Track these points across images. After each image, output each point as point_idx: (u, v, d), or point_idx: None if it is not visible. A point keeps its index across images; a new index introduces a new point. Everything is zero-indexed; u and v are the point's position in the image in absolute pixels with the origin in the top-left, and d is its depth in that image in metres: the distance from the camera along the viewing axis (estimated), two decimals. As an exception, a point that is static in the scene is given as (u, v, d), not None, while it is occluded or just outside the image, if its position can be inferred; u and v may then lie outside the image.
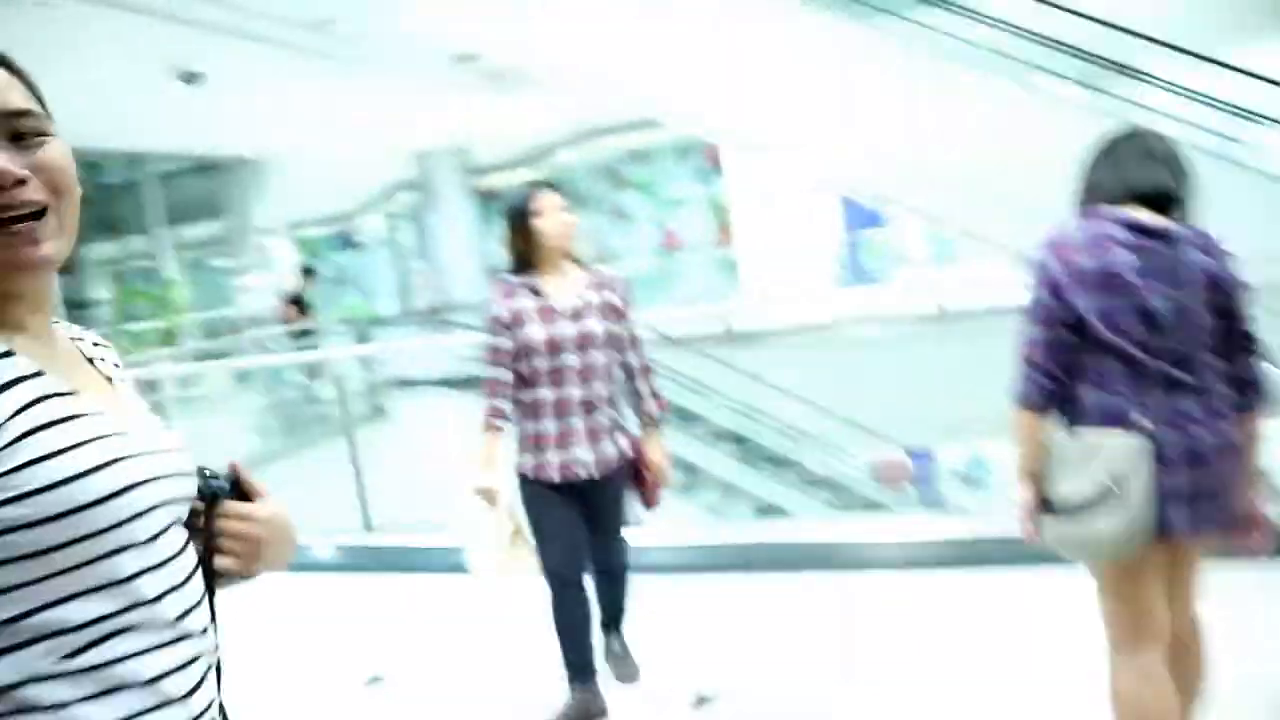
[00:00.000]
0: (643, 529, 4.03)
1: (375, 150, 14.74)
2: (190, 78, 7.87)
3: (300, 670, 3.47)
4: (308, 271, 10.26)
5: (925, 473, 14.06)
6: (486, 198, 19.54)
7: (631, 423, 3.12)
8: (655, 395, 3.10)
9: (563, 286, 2.89)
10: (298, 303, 9.95)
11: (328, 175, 16.58)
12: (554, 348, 2.77)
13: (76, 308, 11.83)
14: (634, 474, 3.02)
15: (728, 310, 12.28)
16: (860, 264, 14.36)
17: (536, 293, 2.87)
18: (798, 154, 6.53)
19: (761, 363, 10.28)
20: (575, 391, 2.80)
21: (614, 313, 2.94)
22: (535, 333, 2.80)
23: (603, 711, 2.95)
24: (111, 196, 12.04)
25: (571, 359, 2.78)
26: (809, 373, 10.24)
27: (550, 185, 2.99)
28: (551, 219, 2.85)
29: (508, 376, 2.81)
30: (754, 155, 6.73)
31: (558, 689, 2.91)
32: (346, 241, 26.05)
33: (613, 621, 3.21)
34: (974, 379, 3.74)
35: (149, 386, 7.76)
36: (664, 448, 3.09)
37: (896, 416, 10.06)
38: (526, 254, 2.92)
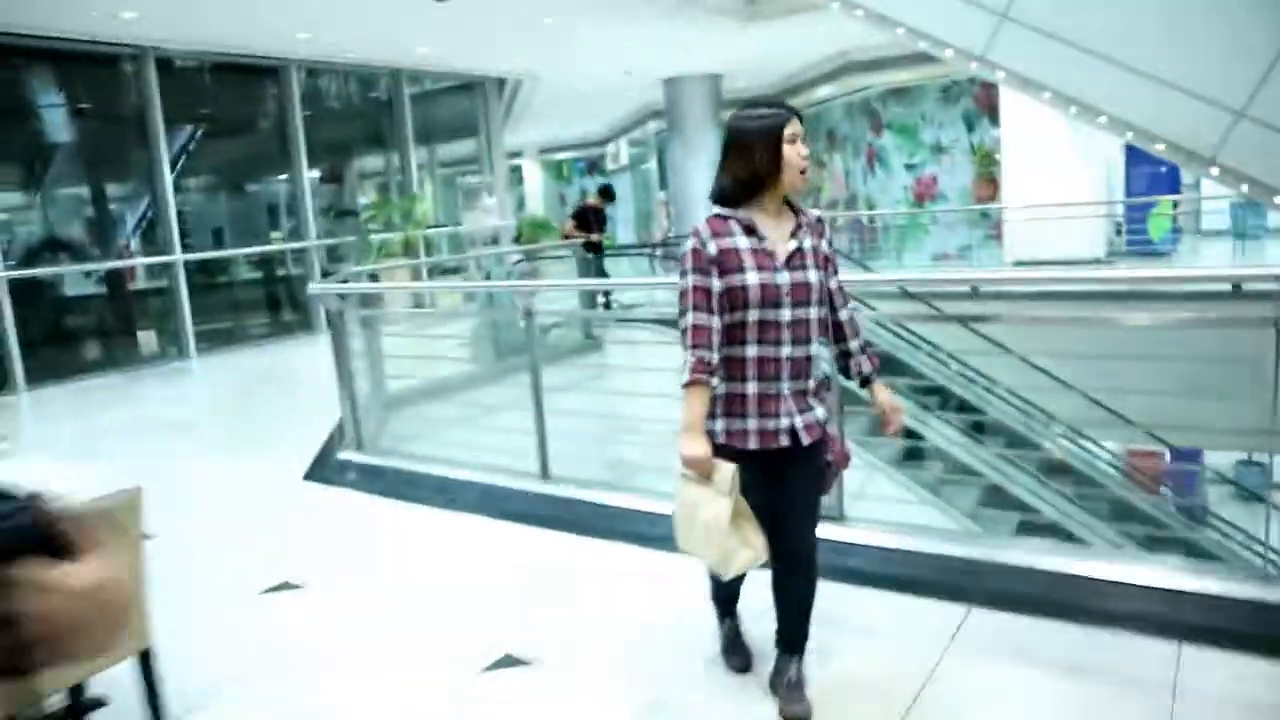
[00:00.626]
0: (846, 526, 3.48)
1: (626, 75, 14.49)
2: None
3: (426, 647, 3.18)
4: (605, 192, 10.18)
5: (1187, 477, 12.37)
6: (794, 112, 18.91)
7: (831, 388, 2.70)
8: (866, 350, 2.63)
9: (780, 228, 2.44)
10: (585, 218, 9.89)
11: (578, 99, 16.65)
12: (768, 298, 2.36)
13: (341, 215, 12.55)
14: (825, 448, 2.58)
15: (982, 275, 11.11)
16: (1144, 233, 12.63)
17: (752, 232, 2.41)
18: (1095, 91, 5.51)
19: (1011, 332, 9.24)
20: (785, 350, 2.40)
21: (827, 262, 2.52)
22: (749, 279, 2.36)
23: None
24: (377, 111, 12.53)
25: (785, 313, 2.38)
26: (1065, 350, 9.12)
27: (796, 113, 2.47)
28: (799, 150, 2.41)
29: (717, 323, 2.38)
30: (1037, 97, 5.66)
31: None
32: (593, 166, 26.46)
33: (792, 640, 2.70)
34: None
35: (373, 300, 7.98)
36: (890, 394, 2.61)
37: (1162, 410, 8.82)
38: (752, 184, 2.43)
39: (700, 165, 15.18)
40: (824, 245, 2.51)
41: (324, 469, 5.12)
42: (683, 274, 2.41)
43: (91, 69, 9.67)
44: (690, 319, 2.38)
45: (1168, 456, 10.77)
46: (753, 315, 2.37)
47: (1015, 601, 2.92)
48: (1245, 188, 5.36)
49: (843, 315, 2.59)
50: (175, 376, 9.22)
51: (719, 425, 2.45)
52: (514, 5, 9.19)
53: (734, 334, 2.40)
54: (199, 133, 10.88)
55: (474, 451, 4.63)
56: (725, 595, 2.84)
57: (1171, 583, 2.88)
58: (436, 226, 12.76)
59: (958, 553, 3.22)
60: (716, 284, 2.37)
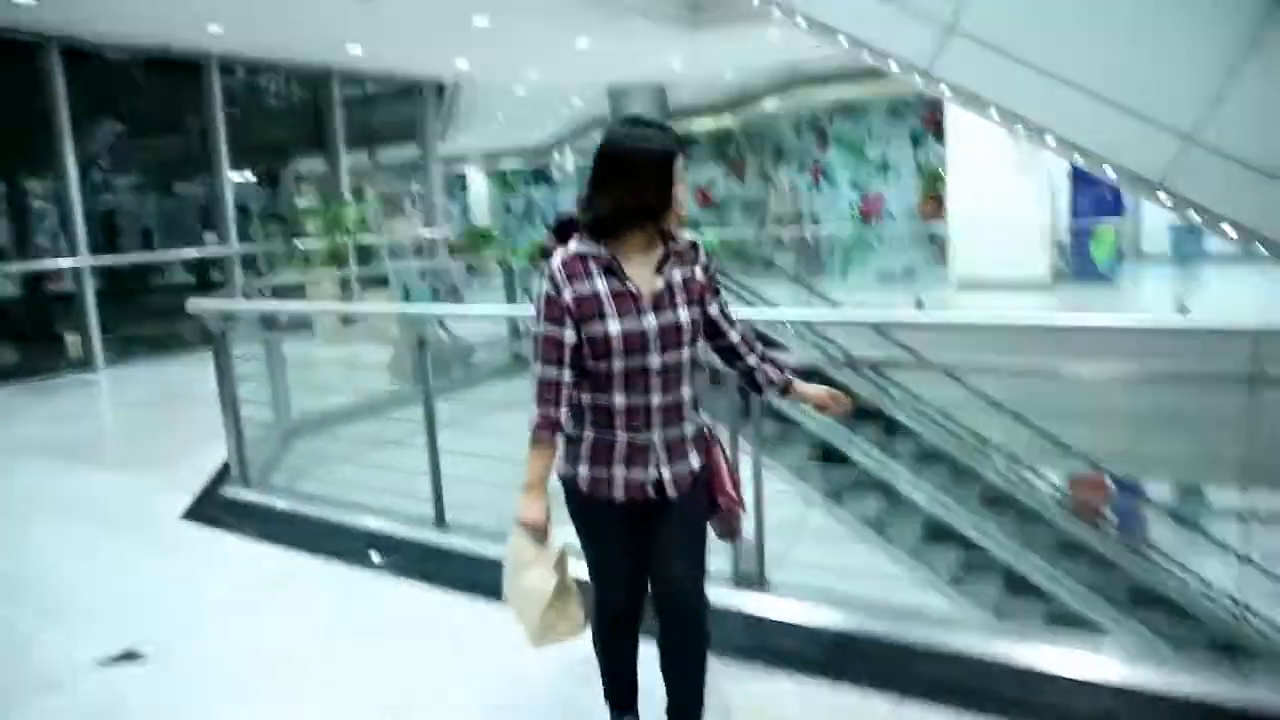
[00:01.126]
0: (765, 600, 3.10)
1: (569, 82, 14.10)
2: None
3: None
4: None
5: (1131, 507, 12.26)
6: (680, 142, 18.65)
7: (716, 428, 2.49)
8: (768, 358, 2.44)
9: (646, 263, 2.20)
10: (568, 233, 9.20)
11: (522, 106, 16.23)
12: (633, 346, 2.14)
13: (269, 220, 11.98)
14: (710, 493, 2.37)
15: (924, 295, 10.90)
16: (1086, 257, 12.55)
17: (613, 272, 2.15)
18: (1046, 111, 5.26)
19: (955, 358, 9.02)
20: (655, 398, 2.19)
21: (700, 292, 2.28)
22: (611, 328, 2.13)
23: None
24: (312, 112, 11.98)
25: (654, 359, 2.16)
26: (1008, 376, 8.93)
27: (681, 142, 2.20)
28: (684, 188, 2.19)
29: (568, 377, 2.17)
30: (983, 115, 5.38)
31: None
32: (540, 176, 25.99)
33: (682, 715, 2.35)
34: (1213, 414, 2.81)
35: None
36: (817, 386, 2.44)
37: (1106, 443, 8.66)
38: (636, 215, 2.14)
39: (645, 177, 14.83)
40: (698, 274, 2.26)
41: (206, 507, 4.62)
42: (535, 319, 2.16)
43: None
44: (538, 371, 2.17)
45: (1111, 485, 10.63)
46: (618, 364, 2.14)
47: (955, 692, 2.55)
48: (1191, 213, 5.13)
49: (733, 337, 2.38)
50: (76, 390, 8.58)
51: (584, 472, 2.23)
52: (443, 4, 8.74)
53: (599, 382, 2.18)
54: (119, 130, 10.28)
55: (372, 492, 4.18)
56: (619, 686, 2.48)
57: (1136, 679, 2.54)
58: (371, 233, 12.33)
59: (894, 634, 2.85)
60: (570, 335, 2.14)
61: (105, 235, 10.22)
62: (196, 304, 4.64)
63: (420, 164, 13.67)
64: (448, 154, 21.77)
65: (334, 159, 11.95)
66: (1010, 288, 11.64)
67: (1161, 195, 5.05)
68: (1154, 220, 14.03)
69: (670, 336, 2.16)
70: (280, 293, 8.99)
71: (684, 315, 2.18)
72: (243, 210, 11.92)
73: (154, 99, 10.75)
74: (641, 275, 2.16)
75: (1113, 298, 11.65)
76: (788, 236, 15.82)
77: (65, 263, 9.30)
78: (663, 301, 2.16)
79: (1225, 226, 5.08)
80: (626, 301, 2.13)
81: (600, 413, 2.20)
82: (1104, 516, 8.97)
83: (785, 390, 2.41)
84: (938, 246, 13.63)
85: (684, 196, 2.18)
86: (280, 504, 4.44)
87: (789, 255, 15.08)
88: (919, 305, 10.04)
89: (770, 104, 15.16)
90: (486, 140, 22.52)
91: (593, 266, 2.14)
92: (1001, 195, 11.86)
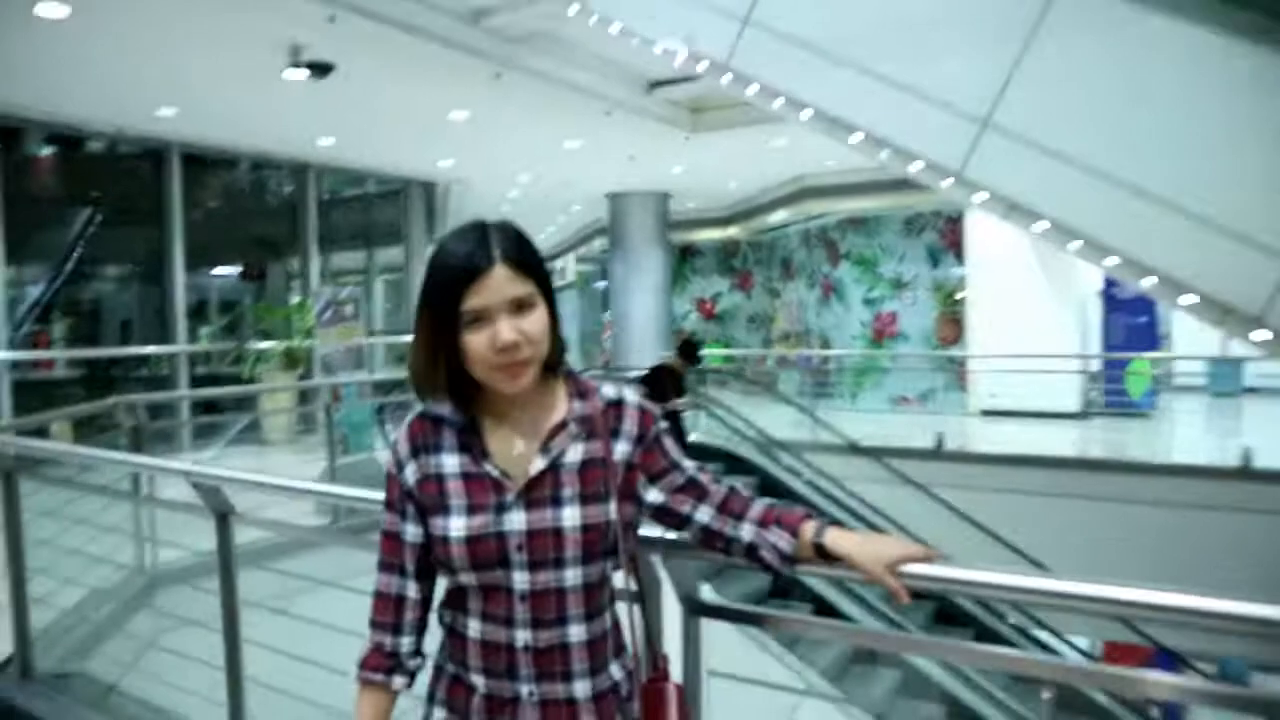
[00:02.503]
0: None
1: (565, 187, 13.41)
2: (321, 70, 6.53)
3: None
4: (687, 350, 7.40)
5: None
6: (684, 253, 17.97)
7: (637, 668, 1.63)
8: (769, 520, 1.57)
9: (528, 429, 1.50)
10: (660, 384, 7.57)
11: (517, 211, 15.56)
12: (484, 557, 1.45)
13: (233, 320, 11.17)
14: None
15: (944, 423, 9.83)
16: (1121, 388, 11.49)
17: (468, 447, 1.50)
18: (1083, 221, 4.29)
19: (974, 499, 7.96)
20: (521, 634, 1.47)
21: (624, 480, 1.51)
22: (452, 526, 1.46)
23: None
24: (289, 209, 11.37)
25: (519, 577, 1.45)
26: (1037, 520, 7.82)
27: (517, 256, 1.48)
28: (502, 333, 1.43)
29: (413, 591, 1.54)
30: (1011, 230, 4.38)
31: None
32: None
33: None
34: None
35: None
36: (859, 542, 1.56)
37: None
38: (434, 374, 1.47)
39: (644, 287, 14.08)
40: (622, 449, 1.52)
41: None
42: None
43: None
44: (376, 579, 1.56)
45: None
46: (467, 578, 1.47)
47: None
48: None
49: (702, 518, 1.56)
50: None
51: (437, 716, 1.58)
52: (414, 93, 7.96)
53: (455, 598, 1.53)
54: (94, 217, 9.63)
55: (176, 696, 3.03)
56: None
57: None
58: (373, 334, 11.62)
59: None
60: (413, 532, 1.52)
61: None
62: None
63: (405, 264, 12.94)
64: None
65: (305, 256, 11.14)
66: (1035, 418, 10.60)
67: (1259, 334, 4.01)
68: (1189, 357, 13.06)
69: (543, 546, 1.43)
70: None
71: (571, 516, 1.44)
72: (231, 306, 11.43)
73: (119, 187, 10.10)
74: (511, 450, 1.48)
75: (1149, 431, 10.55)
76: (794, 355, 14.88)
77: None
78: (540, 493, 1.45)
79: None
80: (481, 490, 1.46)
81: (455, 642, 1.52)
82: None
83: (821, 553, 1.54)
84: (956, 372, 12.62)
85: (487, 355, 1.39)
86: (64, 708, 3.23)
87: (794, 374, 14.11)
88: (939, 444, 8.94)
89: (778, 215, 14.41)
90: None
91: (445, 434, 1.51)
92: (1027, 318, 10.90)
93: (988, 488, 8.28)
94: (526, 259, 1.41)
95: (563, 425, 1.46)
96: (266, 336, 9.89)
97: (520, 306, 1.38)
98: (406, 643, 1.53)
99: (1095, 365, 11.67)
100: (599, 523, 1.44)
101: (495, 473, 1.45)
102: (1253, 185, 3.89)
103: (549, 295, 1.45)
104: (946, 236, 13.08)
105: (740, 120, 9.03)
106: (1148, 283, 4.19)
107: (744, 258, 17.76)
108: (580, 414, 1.47)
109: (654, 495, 1.54)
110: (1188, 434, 10.85)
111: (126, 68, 6.99)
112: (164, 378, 9.84)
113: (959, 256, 12.62)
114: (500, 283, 1.37)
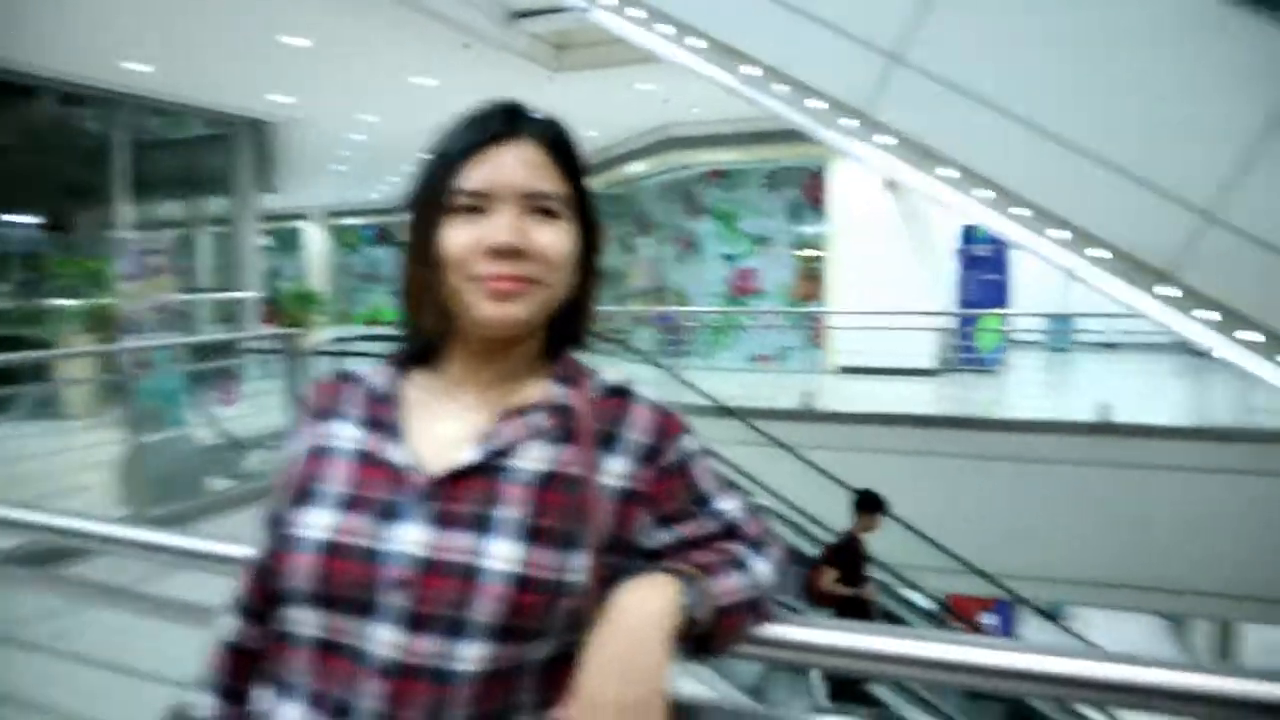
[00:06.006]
0: None
1: (417, 131, 12.46)
2: None
3: None
4: (868, 503, 6.41)
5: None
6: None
7: None
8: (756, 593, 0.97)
9: (467, 405, 0.97)
10: (853, 562, 6.04)
11: (366, 155, 14.50)
12: (340, 584, 0.87)
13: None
14: None
15: (802, 381, 9.72)
16: (970, 345, 11.74)
17: (380, 422, 0.96)
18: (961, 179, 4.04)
19: (842, 459, 7.93)
20: (368, 703, 0.84)
21: (607, 512, 0.91)
22: (310, 521, 0.91)
23: None
24: (97, 147, 10.00)
25: (381, 634, 0.85)
26: (891, 473, 7.80)
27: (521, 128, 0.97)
28: (498, 228, 0.92)
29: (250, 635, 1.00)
30: (932, 175, 4.07)
31: None
32: (385, 234, 23.94)
33: None
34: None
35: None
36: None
37: (988, 548, 7.69)
38: (424, 315, 0.99)
39: (498, 240, 13.32)
40: (618, 468, 0.94)
41: None
42: None
43: None
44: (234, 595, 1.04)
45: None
46: (301, 622, 0.90)
47: None
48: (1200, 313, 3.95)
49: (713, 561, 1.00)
50: None
51: None
52: (240, 11, 6.98)
53: (270, 659, 0.96)
54: None
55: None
56: None
57: None
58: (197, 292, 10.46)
59: None
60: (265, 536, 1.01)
61: None
62: None
63: (233, 214, 11.73)
64: (284, 208, 19.77)
65: (111, 204, 9.86)
66: (892, 375, 10.66)
67: (1164, 289, 3.86)
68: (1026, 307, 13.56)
69: (439, 594, 0.86)
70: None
71: (503, 555, 0.86)
72: (31, 258, 9.98)
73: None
74: (437, 431, 0.96)
75: (997, 387, 10.81)
76: (649, 313, 14.54)
77: None
78: (460, 504, 0.89)
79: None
80: (372, 481, 0.93)
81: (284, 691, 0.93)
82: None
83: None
84: (813, 329, 12.59)
85: (478, 263, 0.93)
86: None
87: (649, 333, 13.78)
88: (806, 404, 8.78)
89: (637, 167, 13.94)
90: (330, 195, 20.70)
91: (356, 400, 1.01)
92: (887, 275, 10.91)
93: (854, 447, 8.20)
94: (568, 151, 0.95)
95: (524, 411, 0.95)
96: (72, 295, 8.68)
97: (541, 211, 0.93)
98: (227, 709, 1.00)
99: (950, 323, 11.87)
100: (548, 579, 0.87)
101: (398, 457, 0.93)
102: (1171, 136, 3.71)
103: (590, 231, 0.98)
104: (809, 192, 12.96)
105: (607, 60, 8.48)
106: (1058, 235, 3.98)
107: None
108: (558, 402, 0.96)
109: (661, 538, 0.97)
110: (1038, 390, 11.19)
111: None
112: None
113: (820, 212, 12.54)
114: (518, 163, 0.93)
